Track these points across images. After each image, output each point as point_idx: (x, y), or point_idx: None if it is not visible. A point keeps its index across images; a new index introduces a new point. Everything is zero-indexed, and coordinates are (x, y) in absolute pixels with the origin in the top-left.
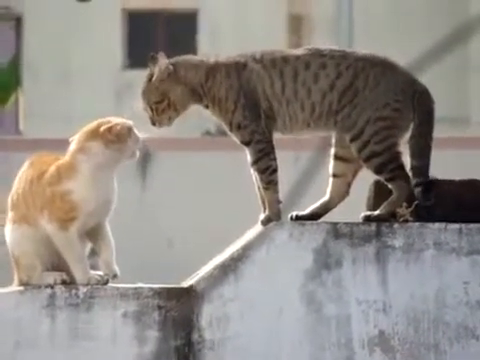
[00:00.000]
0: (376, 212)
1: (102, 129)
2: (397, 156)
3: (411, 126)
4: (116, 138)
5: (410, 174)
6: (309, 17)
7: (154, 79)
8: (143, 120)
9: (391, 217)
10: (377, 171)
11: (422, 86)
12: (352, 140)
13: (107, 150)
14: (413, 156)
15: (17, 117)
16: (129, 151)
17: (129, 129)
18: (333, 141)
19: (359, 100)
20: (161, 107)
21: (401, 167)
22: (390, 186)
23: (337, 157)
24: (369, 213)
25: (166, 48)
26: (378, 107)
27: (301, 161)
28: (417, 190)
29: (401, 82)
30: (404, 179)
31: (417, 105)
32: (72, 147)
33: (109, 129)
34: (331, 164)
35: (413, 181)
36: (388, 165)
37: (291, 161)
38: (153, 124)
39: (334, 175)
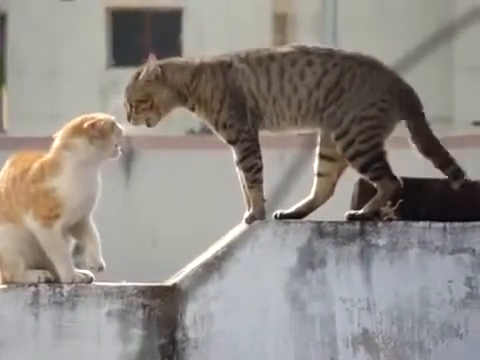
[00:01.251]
0: (360, 211)
1: (86, 125)
2: (382, 155)
3: (396, 126)
4: (100, 134)
5: (448, 173)
6: (294, 15)
7: (141, 78)
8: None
9: (375, 216)
10: (362, 170)
11: (407, 86)
12: (337, 138)
13: (91, 146)
14: (429, 155)
15: (1, 115)
16: (113, 147)
17: (112, 124)
18: (318, 140)
19: (345, 99)
20: (142, 107)
21: (386, 166)
22: (375, 185)
23: (322, 156)
24: (353, 212)
25: (151, 47)
26: (364, 106)
27: (286, 159)
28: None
29: (387, 82)
30: (388, 178)
31: (405, 105)
32: (56, 143)
33: (93, 125)
34: (316, 163)
35: (451, 173)
36: (373, 164)
37: (276, 159)
38: (128, 120)
39: (319, 174)
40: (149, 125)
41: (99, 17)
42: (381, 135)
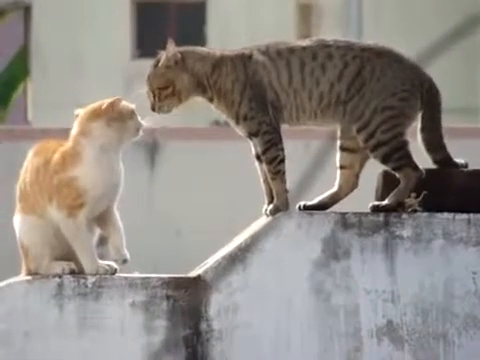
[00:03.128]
0: (384, 202)
1: (104, 106)
2: (404, 145)
3: (418, 116)
4: (118, 115)
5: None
6: (318, 6)
7: (160, 65)
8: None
9: (399, 206)
10: (384, 160)
11: (428, 76)
12: (359, 130)
13: (108, 129)
14: (431, 149)
15: (26, 107)
16: (131, 130)
17: (132, 111)
18: (338, 133)
19: (366, 90)
20: (164, 93)
21: (408, 155)
22: (397, 175)
23: (343, 148)
24: (377, 203)
25: (176, 38)
26: (385, 96)
27: (311, 149)
28: None
29: (408, 72)
30: (411, 167)
31: (426, 96)
32: (73, 130)
33: (111, 104)
34: (338, 156)
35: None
36: (395, 154)
37: (301, 150)
38: (152, 109)
39: (342, 167)
40: (168, 111)
41: (124, 8)
42: (403, 124)
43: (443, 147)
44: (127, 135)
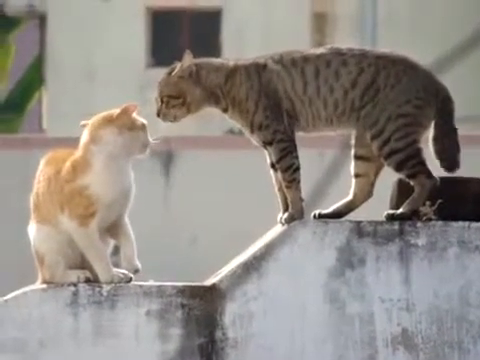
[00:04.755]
0: (399, 210)
1: (117, 112)
2: (418, 152)
3: (431, 124)
4: (131, 123)
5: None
6: (333, 15)
7: (174, 74)
8: None
9: (414, 214)
10: (398, 168)
11: (443, 85)
12: (373, 138)
13: (120, 137)
14: (443, 158)
15: (40, 115)
16: (140, 143)
17: (143, 124)
18: (352, 141)
19: (381, 97)
20: (173, 103)
21: (422, 163)
22: (411, 183)
23: (357, 157)
24: (392, 211)
25: (190, 47)
26: (400, 104)
27: (326, 158)
28: None
29: (422, 80)
30: (425, 175)
31: (440, 104)
32: (83, 138)
33: (125, 110)
34: (352, 164)
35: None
36: (409, 162)
37: (316, 159)
38: (158, 115)
39: (356, 175)
40: (174, 121)
41: (138, 17)
42: (417, 132)
43: (455, 156)
44: (136, 146)
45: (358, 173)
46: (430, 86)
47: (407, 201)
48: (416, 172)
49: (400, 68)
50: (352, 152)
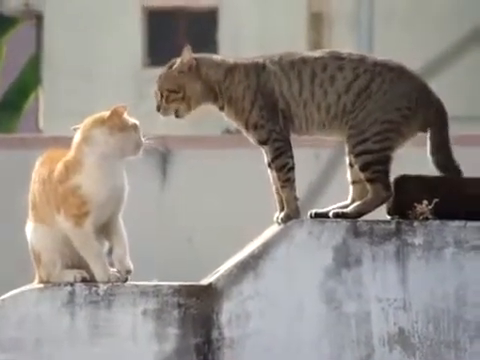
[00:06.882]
0: (346, 209)
1: (109, 113)
2: (387, 160)
3: (411, 137)
4: (122, 124)
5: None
6: (329, 15)
7: (174, 68)
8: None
9: (359, 217)
10: (362, 168)
11: (436, 97)
12: (351, 136)
13: (111, 138)
14: (443, 169)
15: (37, 115)
16: (133, 143)
17: (135, 125)
18: (346, 149)
19: (370, 102)
20: (172, 97)
21: (385, 172)
22: (368, 187)
23: (352, 164)
24: (339, 210)
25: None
26: (388, 110)
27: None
28: None
29: (416, 90)
30: (383, 185)
31: (433, 117)
32: (76, 139)
33: (115, 111)
34: (348, 172)
35: None
36: (375, 166)
37: (311, 159)
38: (158, 110)
39: (353, 182)
40: (177, 116)
41: (135, 16)
42: (395, 140)
43: (453, 164)
44: (129, 147)
45: (355, 180)
46: (422, 98)
47: (358, 203)
48: (376, 178)
49: (395, 75)
50: (347, 160)
